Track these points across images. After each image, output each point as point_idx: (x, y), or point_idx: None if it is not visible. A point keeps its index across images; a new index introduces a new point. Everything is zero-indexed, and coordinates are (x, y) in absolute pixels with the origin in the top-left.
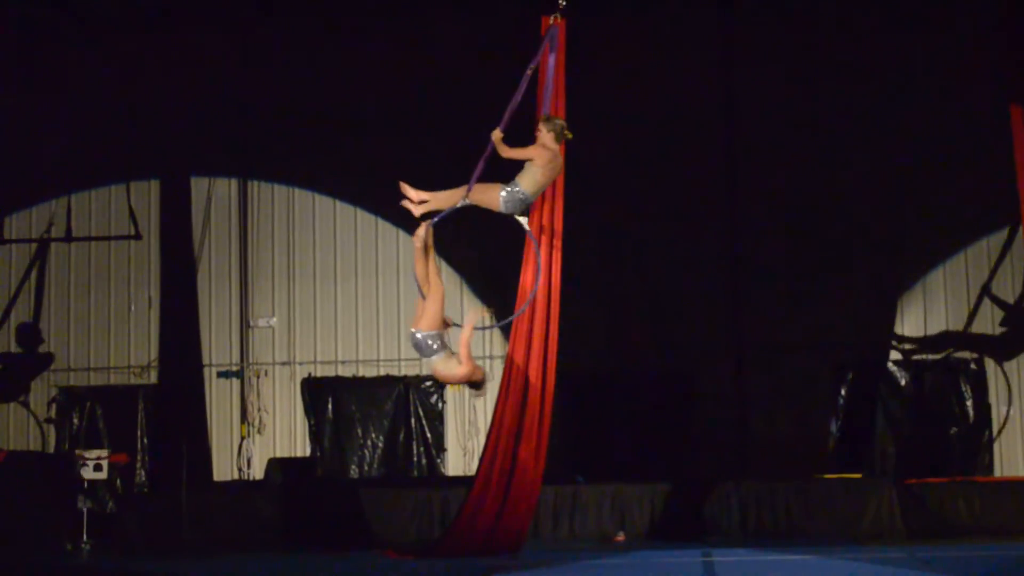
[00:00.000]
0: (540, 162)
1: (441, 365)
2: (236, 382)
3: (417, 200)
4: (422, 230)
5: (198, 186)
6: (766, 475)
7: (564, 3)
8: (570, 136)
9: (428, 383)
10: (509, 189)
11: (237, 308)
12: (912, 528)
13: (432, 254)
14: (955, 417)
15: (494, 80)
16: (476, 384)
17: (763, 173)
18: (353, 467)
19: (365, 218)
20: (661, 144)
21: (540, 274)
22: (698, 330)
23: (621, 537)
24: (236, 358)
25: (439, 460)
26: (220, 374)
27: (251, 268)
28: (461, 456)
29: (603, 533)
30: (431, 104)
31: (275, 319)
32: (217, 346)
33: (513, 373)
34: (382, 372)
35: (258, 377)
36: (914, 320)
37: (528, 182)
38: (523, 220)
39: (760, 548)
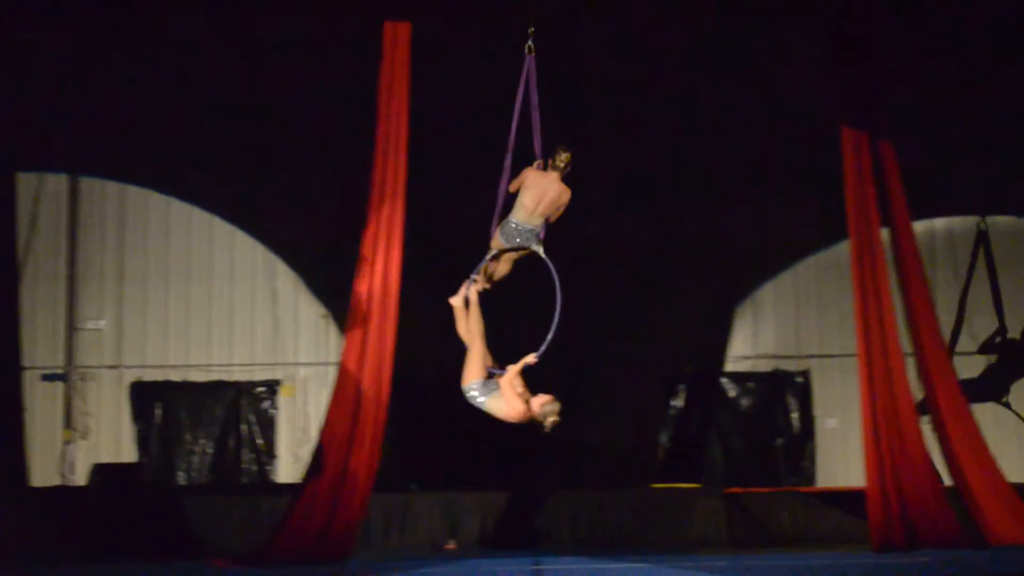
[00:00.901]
0: (520, 187)
1: (494, 406)
2: (61, 385)
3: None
4: (464, 291)
5: (27, 183)
6: (598, 484)
7: (532, 31)
8: (562, 164)
9: (261, 388)
10: (501, 224)
11: (64, 309)
12: (738, 537)
13: (475, 311)
14: (780, 428)
15: (334, 82)
16: (540, 422)
17: (598, 185)
18: (181, 474)
19: (200, 219)
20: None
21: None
22: (534, 340)
23: (452, 545)
24: (61, 360)
25: (270, 467)
26: (44, 377)
27: (80, 268)
28: (292, 463)
29: (434, 541)
30: (273, 103)
31: (104, 321)
32: (42, 348)
33: (346, 379)
34: (213, 377)
35: (84, 381)
36: (745, 334)
37: (517, 211)
38: (539, 250)
39: (590, 557)
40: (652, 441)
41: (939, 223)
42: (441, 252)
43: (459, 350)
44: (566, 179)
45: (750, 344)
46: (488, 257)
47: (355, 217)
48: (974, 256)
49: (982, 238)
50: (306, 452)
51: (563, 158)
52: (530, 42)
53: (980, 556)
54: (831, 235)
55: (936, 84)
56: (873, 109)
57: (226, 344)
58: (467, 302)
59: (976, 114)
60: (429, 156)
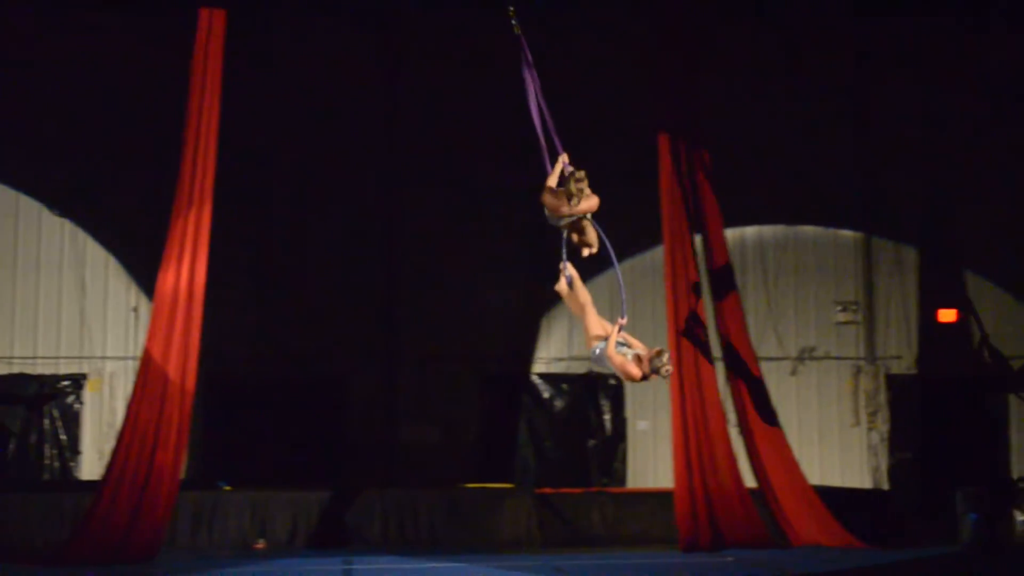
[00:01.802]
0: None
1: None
2: None
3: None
4: (563, 276)
5: None
6: (411, 484)
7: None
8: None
9: (66, 383)
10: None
11: None
12: (549, 537)
13: (577, 285)
14: (593, 430)
15: (143, 69)
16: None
17: (419, 189)
18: None
19: (5, 204)
20: (319, 150)
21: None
22: (351, 338)
23: (261, 544)
24: None
25: (73, 464)
26: None
27: None
28: (97, 459)
29: (244, 540)
30: (87, 89)
31: None
32: None
33: (151, 374)
34: (15, 370)
35: None
36: (559, 337)
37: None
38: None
39: (402, 556)
40: (465, 441)
41: (750, 231)
42: (254, 251)
43: (270, 349)
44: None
45: (564, 346)
46: (564, 238)
47: (167, 210)
48: None
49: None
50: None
51: (577, 187)
52: (515, 22)
53: (783, 556)
54: (646, 240)
55: (748, 95)
56: (690, 118)
57: (30, 336)
58: (570, 283)
59: (785, 125)
60: (245, 151)
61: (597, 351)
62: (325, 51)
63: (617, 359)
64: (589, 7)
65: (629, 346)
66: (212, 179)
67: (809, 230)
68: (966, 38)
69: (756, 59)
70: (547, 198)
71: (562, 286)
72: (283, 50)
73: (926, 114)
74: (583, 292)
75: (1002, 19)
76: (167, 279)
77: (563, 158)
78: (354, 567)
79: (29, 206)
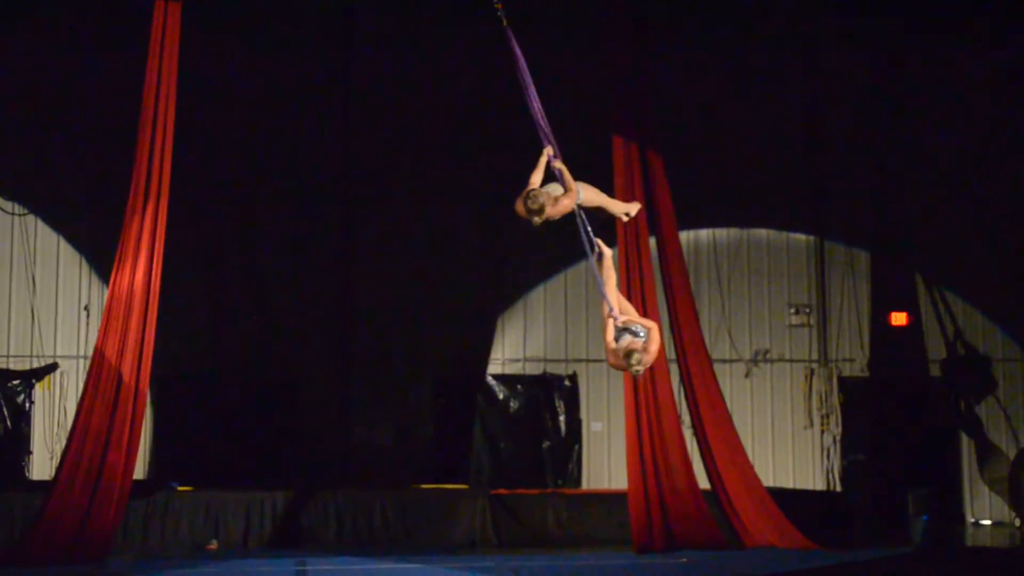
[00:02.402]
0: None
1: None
2: None
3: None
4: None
5: None
6: (364, 484)
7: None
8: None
9: (16, 381)
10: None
11: None
12: (503, 538)
13: (607, 262)
14: (548, 431)
15: (99, 60)
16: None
17: (376, 182)
18: None
19: None
20: (272, 148)
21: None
22: (304, 337)
23: (214, 545)
24: None
25: (24, 463)
26: None
27: None
28: (48, 459)
29: (196, 541)
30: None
31: None
32: None
33: (103, 372)
34: None
35: None
36: (515, 336)
37: None
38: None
39: (356, 557)
40: (419, 441)
41: (703, 233)
42: (206, 249)
43: (223, 349)
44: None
45: (520, 347)
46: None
47: (122, 207)
48: None
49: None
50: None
51: (533, 205)
52: (501, 14)
53: (736, 557)
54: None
55: (704, 97)
56: (643, 120)
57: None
58: (600, 258)
59: (742, 127)
60: (198, 147)
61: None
62: (280, 43)
63: (611, 347)
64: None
65: (629, 329)
66: (168, 175)
67: (763, 233)
68: (920, 41)
69: (709, 61)
70: (519, 207)
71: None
72: (237, 43)
73: (877, 118)
74: (610, 270)
75: (955, 22)
76: (122, 277)
77: (547, 151)
78: (308, 568)
79: None
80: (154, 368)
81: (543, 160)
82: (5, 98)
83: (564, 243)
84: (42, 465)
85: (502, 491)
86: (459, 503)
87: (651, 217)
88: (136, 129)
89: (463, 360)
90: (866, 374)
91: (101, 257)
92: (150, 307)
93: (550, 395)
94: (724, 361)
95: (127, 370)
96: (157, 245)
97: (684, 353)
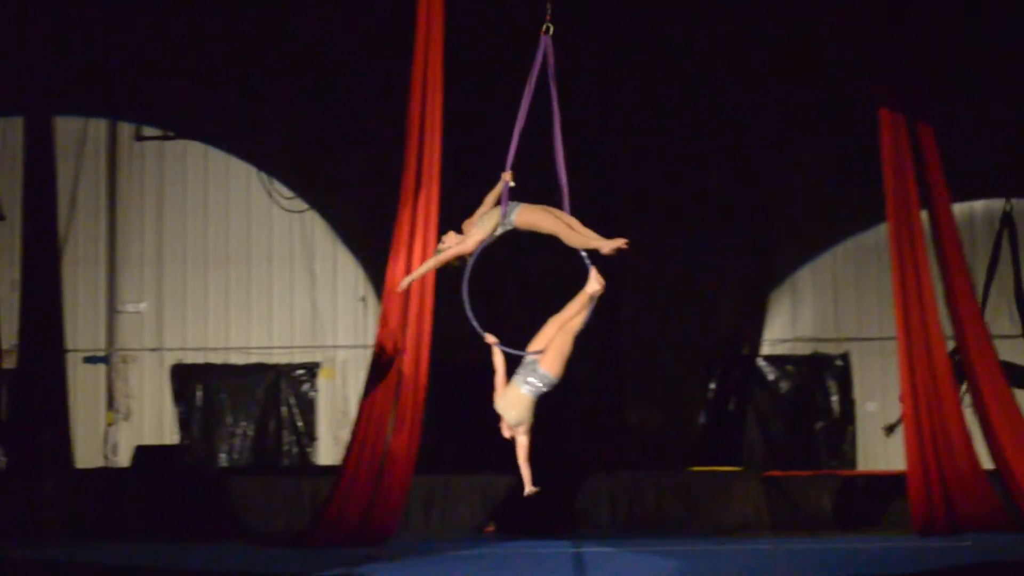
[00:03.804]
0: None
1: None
2: (103, 368)
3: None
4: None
5: (66, 160)
6: (637, 467)
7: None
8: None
9: (300, 371)
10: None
11: (105, 292)
12: (777, 521)
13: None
14: (821, 412)
15: (365, 50)
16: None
17: (638, 170)
18: (222, 455)
19: (239, 199)
20: (542, 140)
21: None
22: None
23: (491, 528)
24: (103, 343)
25: (310, 449)
26: (86, 359)
27: (120, 250)
28: (333, 445)
29: (474, 524)
30: (313, 77)
31: (144, 304)
32: (83, 330)
33: (383, 362)
34: (253, 360)
35: (125, 363)
36: (783, 318)
37: None
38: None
39: (629, 540)
40: (691, 424)
41: (978, 205)
42: None
43: (498, 332)
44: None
45: (789, 327)
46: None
47: (395, 197)
48: (999, 237)
49: (1006, 220)
50: (346, 434)
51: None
52: (548, 23)
53: (1022, 539)
54: (869, 217)
55: (974, 64)
56: (911, 90)
57: (265, 326)
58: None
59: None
60: (473, 129)
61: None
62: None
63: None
64: None
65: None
66: (439, 159)
67: None
68: None
69: (975, 31)
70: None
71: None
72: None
73: None
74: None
75: None
76: (397, 266)
77: (506, 176)
78: (583, 551)
79: (260, 201)
80: (433, 355)
81: (499, 188)
82: (283, 95)
83: (832, 221)
84: (328, 451)
85: (775, 473)
86: (732, 486)
87: (922, 189)
88: (404, 116)
89: (733, 341)
90: None
91: (375, 248)
92: (426, 296)
93: (821, 375)
94: (1004, 337)
95: (407, 358)
96: (430, 234)
97: (961, 328)
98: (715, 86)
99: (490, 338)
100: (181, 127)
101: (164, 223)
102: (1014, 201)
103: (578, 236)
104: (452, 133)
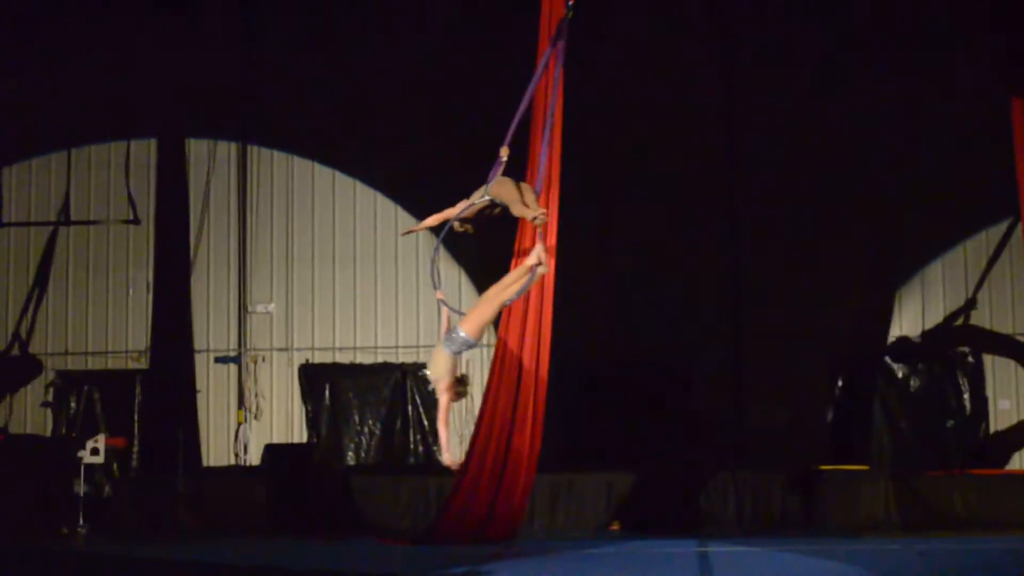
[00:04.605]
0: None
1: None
2: (233, 367)
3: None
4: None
5: (198, 169)
6: (762, 466)
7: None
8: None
9: (426, 370)
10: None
11: (235, 293)
12: (908, 520)
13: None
14: (952, 410)
15: (497, 62)
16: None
17: (762, 165)
18: (350, 454)
19: (365, 201)
20: (662, 137)
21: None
22: (696, 318)
23: (616, 526)
24: (234, 343)
25: (436, 448)
26: (218, 359)
27: (250, 253)
28: (458, 445)
29: (598, 522)
30: (441, 86)
31: (273, 305)
32: (215, 331)
33: (506, 360)
34: (380, 359)
35: (255, 363)
36: (913, 313)
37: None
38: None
39: (755, 539)
40: (819, 422)
41: None
42: (598, 235)
43: (615, 330)
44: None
45: (918, 323)
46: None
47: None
48: None
49: None
50: (471, 433)
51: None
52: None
53: None
54: (999, 212)
55: None
56: None
57: (391, 326)
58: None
59: None
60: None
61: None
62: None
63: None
64: None
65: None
66: (559, 163)
67: None
68: None
69: None
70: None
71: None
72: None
73: None
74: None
75: None
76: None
77: (502, 153)
78: (709, 550)
79: (385, 205)
80: (554, 354)
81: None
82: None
83: (963, 214)
84: (453, 450)
85: (905, 472)
86: (861, 485)
87: None
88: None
89: (860, 338)
90: None
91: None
92: (546, 298)
93: (952, 372)
94: None
95: (527, 359)
96: (550, 236)
97: None
98: (841, 79)
99: (439, 294)
100: (302, 148)
101: (292, 225)
102: None
103: (519, 207)
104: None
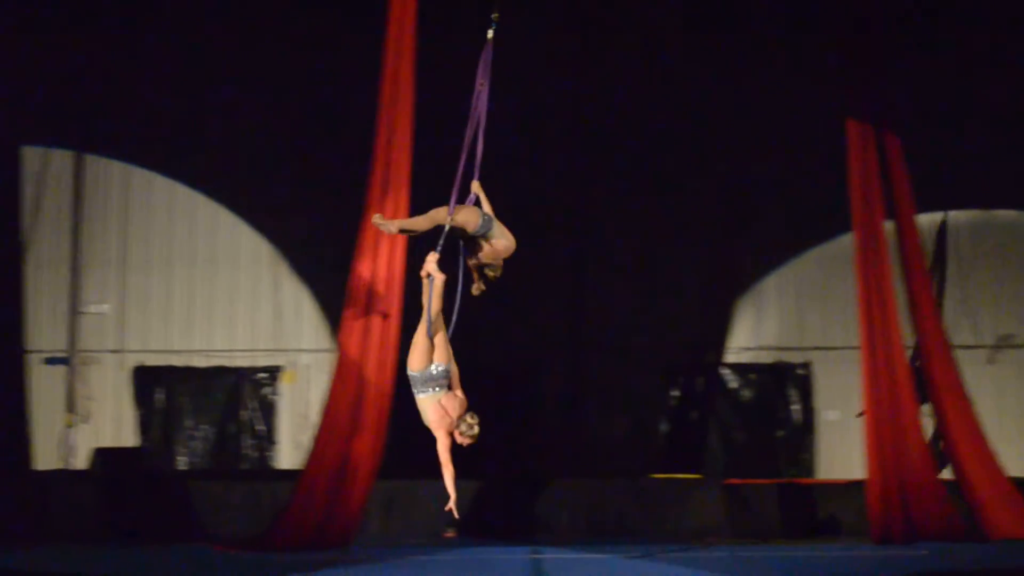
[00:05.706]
0: None
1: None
2: (63, 369)
3: (396, 229)
4: (433, 264)
5: (31, 161)
6: (597, 474)
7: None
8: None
9: (262, 374)
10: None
11: (67, 293)
12: (737, 528)
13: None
14: (781, 420)
15: (339, 70)
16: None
17: (607, 177)
18: (182, 458)
19: (205, 205)
20: (510, 139)
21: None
22: (537, 328)
23: (451, 533)
24: (64, 344)
25: (270, 453)
26: (46, 360)
27: (84, 252)
28: (293, 449)
29: (433, 529)
30: (287, 92)
31: (107, 306)
32: (45, 332)
33: (346, 367)
34: (215, 363)
35: (86, 365)
36: (747, 325)
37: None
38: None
39: (589, 546)
40: (652, 431)
41: (940, 217)
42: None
43: (460, 339)
44: None
45: (752, 335)
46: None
47: (361, 206)
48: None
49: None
50: (307, 439)
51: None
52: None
53: (979, 550)
54: (834, 227)
55: (940, 78)
56: (878, 103)
57: (228, 330)
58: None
59: (979, 108)
60: (442, 134)
61: (435, 370)
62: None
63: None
64: None
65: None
66: (409, 163)
67: (1007, 214)
68: None
69: (943, 42)
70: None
71: (433, 269)
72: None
73: None
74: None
75: None
76: (362, 271)
77: (473, 186)
78: (542, 557)
79: (226, 212)
80: (399, 360)
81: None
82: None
83: (797, 230)
84: (288, 455)
85: (736, 481)
86: (692, 493)
87: (888, 200)
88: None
89: (696, 349)
90: None
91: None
92: (393, 301)
93: (783, 384)
94: (965, 348)
95: (370, 363)
96: (398, 241)
97: (922, 339)
98: (682, 96)
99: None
100: (139, 158)
101: (128, 225)
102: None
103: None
104: (420, 136)
